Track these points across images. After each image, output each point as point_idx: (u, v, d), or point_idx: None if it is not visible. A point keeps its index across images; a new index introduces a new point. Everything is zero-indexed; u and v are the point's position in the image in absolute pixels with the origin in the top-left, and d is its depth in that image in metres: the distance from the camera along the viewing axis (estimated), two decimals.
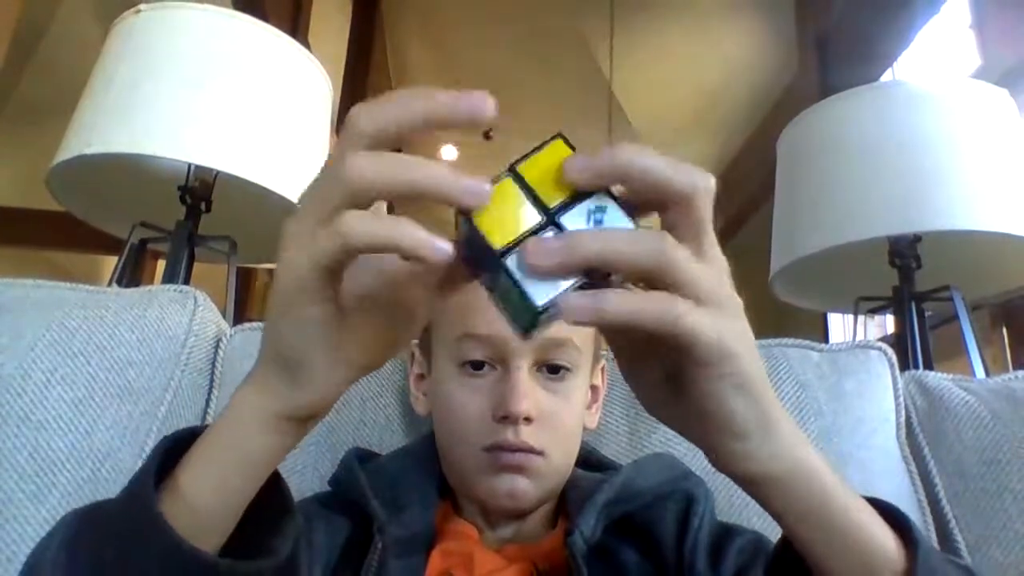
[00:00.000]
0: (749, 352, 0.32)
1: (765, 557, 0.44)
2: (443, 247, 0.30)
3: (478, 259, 0.32)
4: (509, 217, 0.32)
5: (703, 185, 0.32)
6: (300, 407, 0.35)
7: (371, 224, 0.30)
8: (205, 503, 0.36)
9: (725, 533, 0.59)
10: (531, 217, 0.32)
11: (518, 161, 0.33)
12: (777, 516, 0.36)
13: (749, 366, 0.32)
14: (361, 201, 0.31)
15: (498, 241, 0.31)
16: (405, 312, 0.37)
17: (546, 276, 0.30)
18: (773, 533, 0.59)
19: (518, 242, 0.31)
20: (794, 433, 0.35)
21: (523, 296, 0.30)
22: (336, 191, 0.30)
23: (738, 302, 0.33)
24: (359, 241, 0.30)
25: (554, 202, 0.32)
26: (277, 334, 0.34)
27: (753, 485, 0.35)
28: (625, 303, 0.30)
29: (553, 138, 0.33)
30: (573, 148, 0.33)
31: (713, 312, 0.31)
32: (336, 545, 0.57)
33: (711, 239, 0.33)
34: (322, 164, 0.32)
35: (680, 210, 0.32)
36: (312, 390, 0.35)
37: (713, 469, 0.36)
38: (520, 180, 0.32)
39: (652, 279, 0.31)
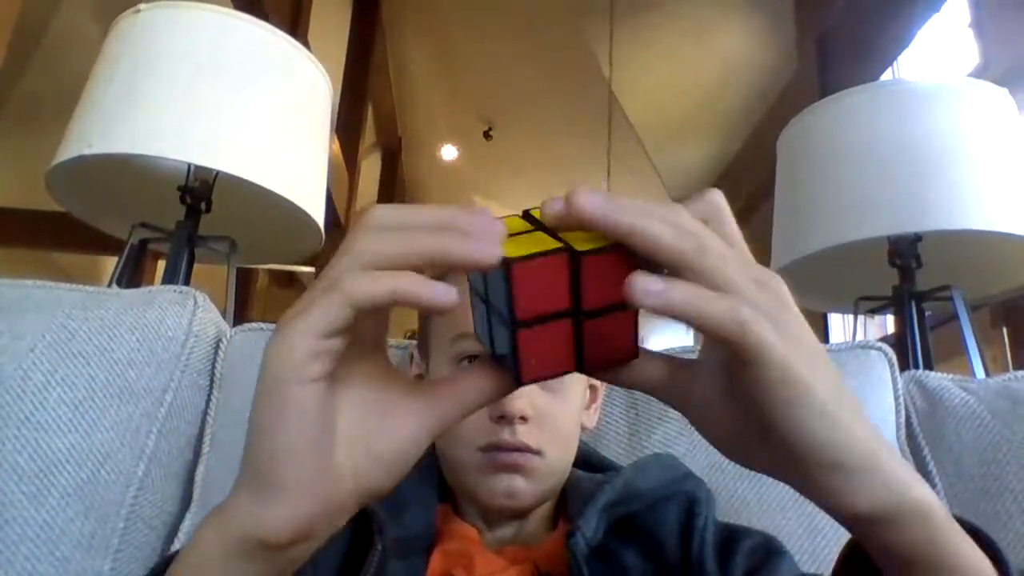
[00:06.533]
0: (821, 374, 0.30)
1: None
2: (451, 294, 0.28)
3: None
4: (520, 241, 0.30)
5: (709, 244, 0.30)
6: (275, 519, 0.30)
7: (371, 279, 0.28)
8: None
9: (732, 534, 0.58)
10: (526, 227, 0.31)
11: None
12: (882, 555, 0.33)
13: (823, 390, 0.30)
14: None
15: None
16: (399, 436, 0.32)
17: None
18: (774, 532, 0.59)
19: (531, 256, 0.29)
20: (897, 463, 0.32)
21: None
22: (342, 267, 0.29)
23: (802, 322, 0.31)
24: (361, 297, 0.28)
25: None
26: (257, 427, 0.30)
27: (858, 523, 0.32)
28: (693, 296, 0.29)
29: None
30: None
31: (776, 329, 0.29)
32: (338, 553, 0.57)
33: (750, 260, 0.31)
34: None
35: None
36: (287, 499, 0.30)
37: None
38: (528, 216, 0.32)
39: (702, 278, 0.29)
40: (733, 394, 0.32)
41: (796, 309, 0.31)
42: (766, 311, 0.29)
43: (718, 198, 0.33)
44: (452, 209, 0.30)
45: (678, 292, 0.28)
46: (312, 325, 0.29)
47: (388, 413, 0.32)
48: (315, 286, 0.30)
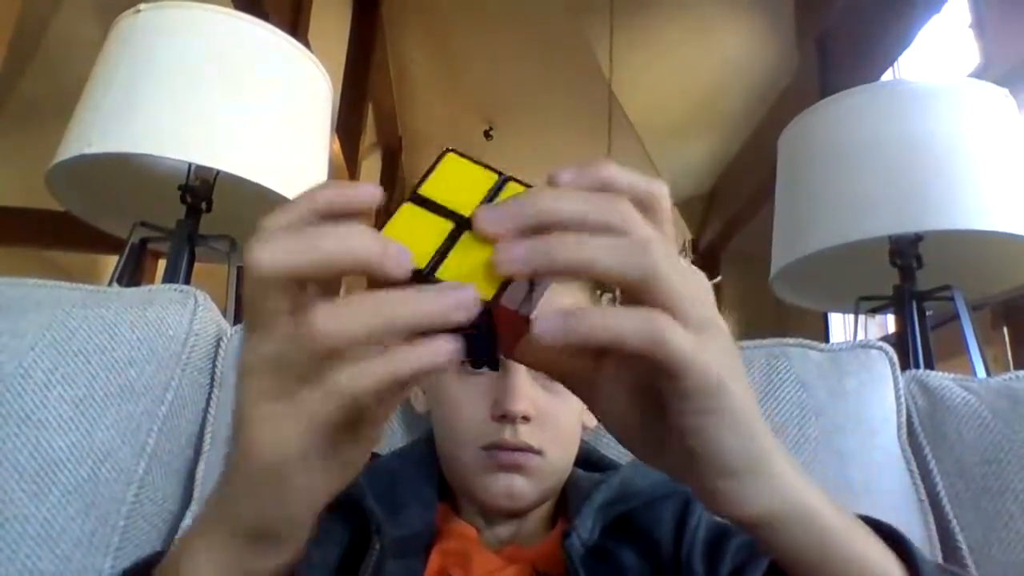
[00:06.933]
0: (738, 383, 0.30)
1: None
2: (450, 346, 0.27)
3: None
4: (420, 237, 0.29)
5: (655, 241, 0.29)
6: (283, 560, 0.31)
7: (371, 369, 0.27)
8: None
9: (722, 533, 0.58)
10: (443, 227, 0.30)
11: (417, 186, 0.30)
12: (777, 553, 0.34)
13: (739, 399, 0.30)
14: (335, 358, 0.27)
15: (419, 262, 0.29)
16: (363, 446, 0.33)
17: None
18: None
19: (439, 255, 0.29)
20: (791, 470, 0.32)
21: None
22: (307, 355, 0.27)
23: (724, 325, 0.30)
24: (363, 393, 0.27)
25: (467, 210, 0.30)
26: (253, 503, 0.30)
27: (749, 526, 0.33)
28: (599, 320, 0.28)
29: (442, 155, 0.31)
30: (467, 157, 0.31)
31: (699, 336, 0.29)
32: (336, 553, 0.56)
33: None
34: (256, 324, 0.28)
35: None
36: (292, 546, 0.31)
37: None
38: (423, 201, 0.30)
39: (632, 292, 0.29)
40: (642, 393, 0.32)
41: (716, 310, 0.31)
42: (693, 318, 0.29)
43: (664, 191, 0.32)
44: (351, 236, 0.27)
45: (585, 322, 0.28)
46: (306, 422, 0.27)
47: (350, 426, 0.32)
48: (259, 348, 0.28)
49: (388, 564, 0.54)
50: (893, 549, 0.36)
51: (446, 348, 0.27)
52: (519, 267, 0.28)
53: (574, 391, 0.35)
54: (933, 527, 0.74)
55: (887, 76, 3.47)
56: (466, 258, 0.29)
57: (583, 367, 0.34)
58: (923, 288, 1.29)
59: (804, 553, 0.33)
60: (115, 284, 1.24)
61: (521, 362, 0.34)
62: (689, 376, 0.28)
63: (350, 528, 0.57)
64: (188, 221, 1.26)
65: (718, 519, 0.61)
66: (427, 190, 0.30)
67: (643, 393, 0.32)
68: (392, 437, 0.77)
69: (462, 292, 0.27)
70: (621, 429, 0.35)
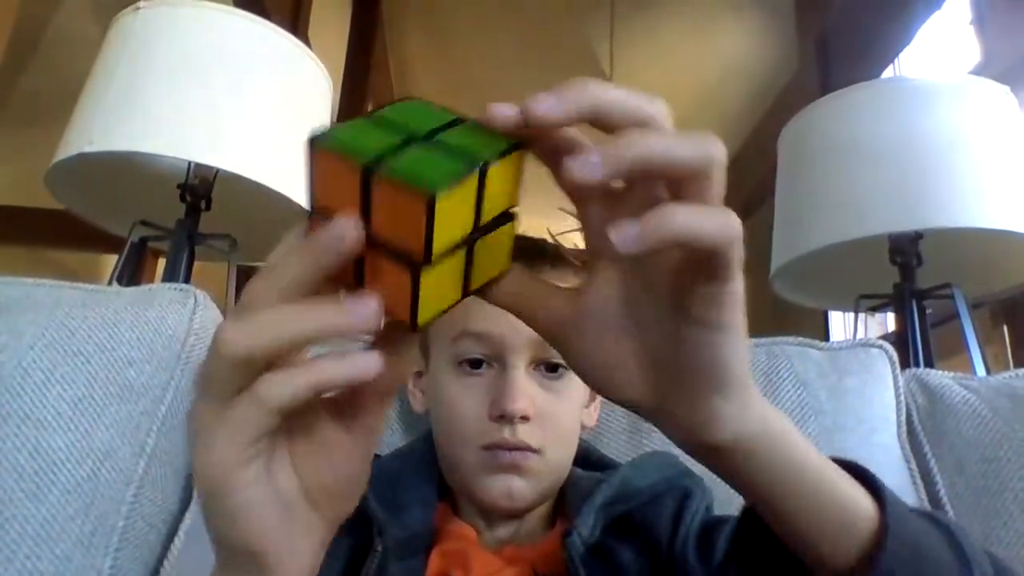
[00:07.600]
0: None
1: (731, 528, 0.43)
2: (372, 361, 0.28)
3: None
4: (445, 285, 0.29)
5: (718, 157, 0.29)
6: None
7: (288, 379, 0.28)
8: None
9: (715, 524, 0.58)
10: (458, 263, 0.29)
11: (426, 247, 0.27)
12: (752, 483, 0.34)
13: (742, 316, 0.30)
14: (251, 371, 0.28)
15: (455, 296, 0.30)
16: (350, 461, 0.33)
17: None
18: None
19: (465, 279, 0.30)
20: (760, 396, 0.33)
21: None
22: (224, 370, 0.28)
23: None
24: (282, 402, 0.27)
25: (467, 225, 0.29)
26: (223, 531, 0.30)
27: (727, 452, 0.33)
28: (683, 217, 0.27)
29: (431, 202, 0.26)
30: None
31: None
32: (339, 556, 0.56)
33: None
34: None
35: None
36: (292, 563, 0.31)
37: None
38: (436, 258, 0.28)
39: (684, 185, 0.28)
40: (629, 322, 0.32)
41: None
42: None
43: (664, 111, 0.32)
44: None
45: (672, 221, 0.27)
46: (235, 437, 0.28)
47: (332, 446, 0.32)
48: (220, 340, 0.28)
49: (391, 566, 0.54)
50: (861, 483, 0.36)
51: (369, 362, 0.28)
52: (639, 246, 0.26)
53: (546, 332, 0.34)
54: None
55: (888, 73, 3.46)
56: (482, 255, 0.30)
57: (560, 306, 0.33)
58: (923, 286, 1.29)
59: (782, 477, 0.33)
60: (115, 283, 1.24)
61: (493, 302, 0.33)
62: (734, 284, 0.29)
63: (354, 531, 0.57)
64: (188, 220, 1.26)
65: (713, 513, 0.61)
66: (439, 246, 0.27)
67: (630, 322, 0.32)
68: (392, 437, 0.77)
69: (363, 306, 0.27)
70: (596, 365, 0.33)
